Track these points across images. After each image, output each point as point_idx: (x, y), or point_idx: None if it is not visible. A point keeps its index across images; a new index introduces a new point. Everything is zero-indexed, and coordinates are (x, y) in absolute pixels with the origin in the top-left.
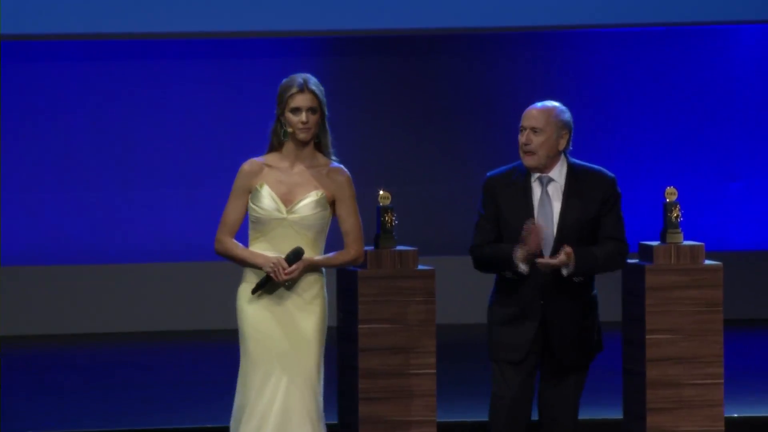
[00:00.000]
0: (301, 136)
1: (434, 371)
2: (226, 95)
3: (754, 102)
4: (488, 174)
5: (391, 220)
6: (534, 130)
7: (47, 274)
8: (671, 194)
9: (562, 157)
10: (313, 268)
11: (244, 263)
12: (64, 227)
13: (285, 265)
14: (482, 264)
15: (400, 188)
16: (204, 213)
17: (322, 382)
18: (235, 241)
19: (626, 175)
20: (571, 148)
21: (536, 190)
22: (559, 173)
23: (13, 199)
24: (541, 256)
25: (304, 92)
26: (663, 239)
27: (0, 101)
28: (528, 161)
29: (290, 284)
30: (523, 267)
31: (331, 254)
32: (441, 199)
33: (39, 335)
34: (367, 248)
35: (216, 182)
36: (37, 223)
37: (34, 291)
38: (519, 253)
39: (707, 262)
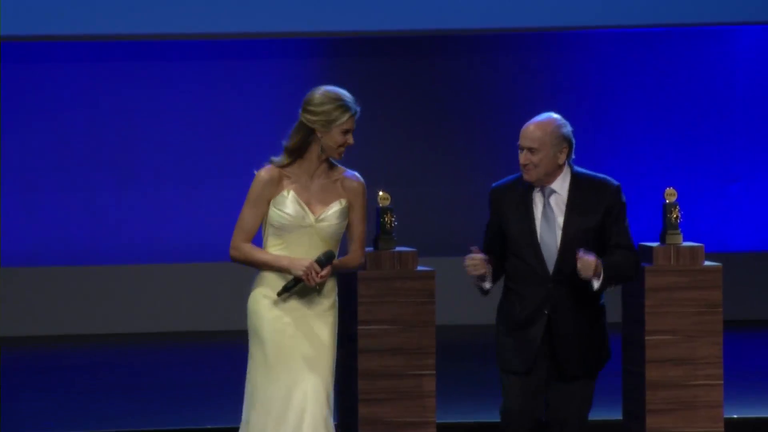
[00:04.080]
0: (340, 156)
1: (434, 372)
2: (225, 96)
3: (754, 103)
4: (493, 185)
5: (391, 221)
6: (531, 150)
7: (46, 275)
8: (671, 195)
9: (566, 168)
10: (334, 271)
11: (266, 267)
12: (63, 228)
13: (318, 268)
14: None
15: (399, 189)
16: (203, 214)
17: (333, 387)
18: (253, 245)
19: (626, 176)
20: (573, 157)
21: (538, 202)
22: (561, 185)
23: (12, 199)
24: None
25: (355, 115)
26: (662, 240)
27: (0, 102)
28: (527, 177)
29: (318, 288)
30: (483, 285)
31: (344, 258)
32: (441, 201)
33: (38, 336)
34: (367, 249)
35: (216, 183)
36: (37, 224)
37: (34, 292)
38: (470, 270)
39: (707, 263)
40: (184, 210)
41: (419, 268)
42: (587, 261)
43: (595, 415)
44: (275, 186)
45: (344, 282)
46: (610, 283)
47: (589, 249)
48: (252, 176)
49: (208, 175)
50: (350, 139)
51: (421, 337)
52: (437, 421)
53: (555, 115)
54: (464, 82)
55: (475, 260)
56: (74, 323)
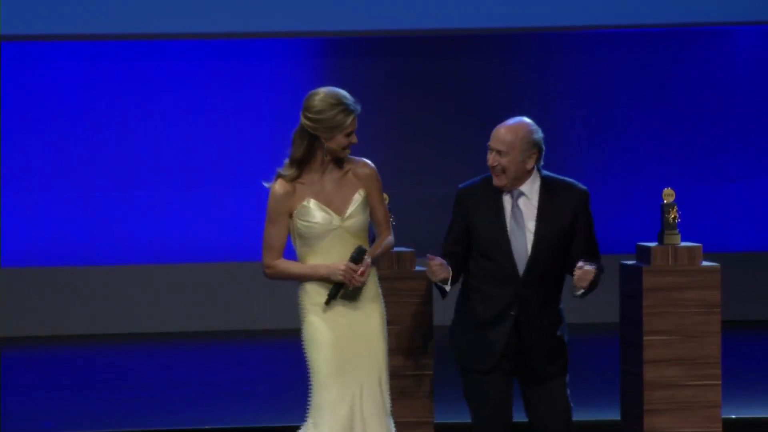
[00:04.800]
0: (346, 156)
1: (431, 372)
2: (225, 96)
3: (752, 103)
4: (460, 186)
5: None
6: (500, 152)
7: (46, 275)
8: (669, 195)
9: (534, 172)
10: (374, 261)
11: (305, 279)
12: (63, 228)
13: (355, 267)
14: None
15: (398, 189)
16: (203, 214)
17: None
18: (287, 260)
19: (624, 177)
20: (542, 164)
21: (507, 204)
22: (530, 188)
23: (12, 200)
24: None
25: (357, 115)
26: (661, 240)
27: (0, 102)
28: (495, 181)
29: (362, 285)
30: (443, 287)
31: (376, 244)
32: (439, 201)
33: (38, 336)
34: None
35: (215, 183)
36: (37, 225)
37: (34, 292)
38: (431, 272)
39: (705, 263)
40: (184, 210)
41: (417, 268)
42: (588, 271)
43: (594, 416)
44: (292, 198)
45: None
46: (589, 292)
47: (558, 252)
48: (259, 184)
49: (208, 175)
50: (354, 139)
51: (419, 338)
52: (435, 421)
53: (527, 120)
54: (464, 83)
55: (438, 264)
56: (74, 323)
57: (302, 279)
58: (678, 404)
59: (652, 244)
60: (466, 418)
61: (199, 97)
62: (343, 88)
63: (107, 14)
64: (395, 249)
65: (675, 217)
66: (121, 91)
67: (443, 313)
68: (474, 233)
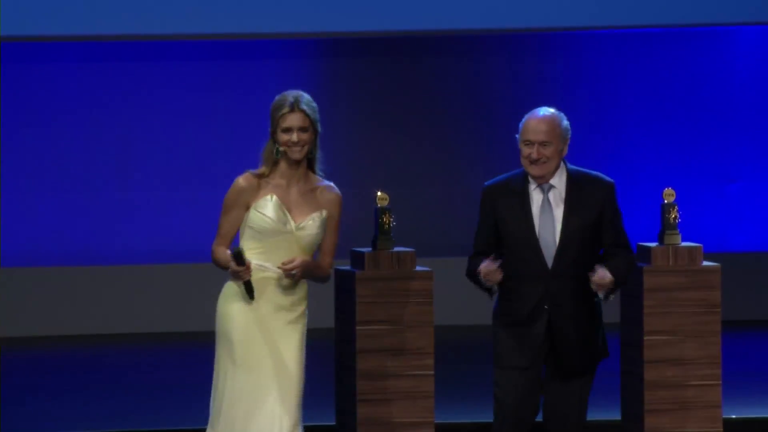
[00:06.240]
0: (294, 156)
1: (432, 372)
2: (225, 97)
3: (752, 104)
4: (486, 183)
5: (389, 221)
6: (543, 143)
7: (46, 276)
8: (669, 195)
9: (561, 164)
10: (308, 270)
11: (222, 266)
12: (63, 228)
13: (234, 266)
14: (467, 276)
15: (397, 189)
16: (202, 214)
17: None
18: (222, 248)
19: (624, 177)
20: (566, 152)
21: (536, 198)
22: (559, 180)
23: (12, 200)
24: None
25: (294, 111)
26: (661, 241)
27: (0, 102)
28: (537, 171)
29: (288, 286)
30: (492, 286)
31: (316, 263)
32: (439, 201)
33: (38, 336)
34: (365, 250)
35: (215, 184)
36: (36, 225)
37: (33, 292)
38: (488, 279)
39: (705, 263)
40: (184, 210)
41: (417, 268)
42: (604, 280)
43: (594, 416)
44: (254, 191)
45: (343, 282)
46: (614, 292)
47: (586, 244)
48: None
49: (208, 175)
50: (293, 137)
51: (420, 338)
52: (436, 422)
53: (554, 109)
54: (463, 83)
55: (494, 270)
56: (74, 323)
57: (221, 266)
58: (678, 404)
59: (653, 244)
60: (466, 418)
61: (199, 97)
62: (341, 90)
63: (107, 14)
64: (395, 249)
65: (675, 217)
66: (121, 91)
67: (444, 313)
68: (502, 230)
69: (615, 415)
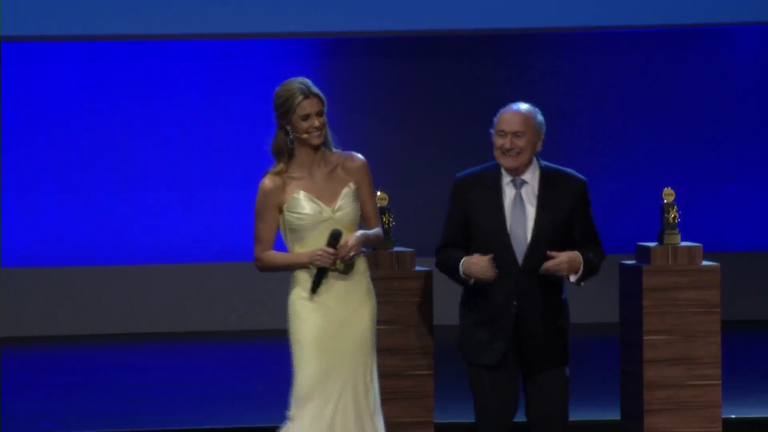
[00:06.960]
0: (316, 141)
1: (432, 372)
2: (225, 97)
3: (752, 103)
4: (458, 175)
5: (389, 221)
6: (516, 134)
7: (46, 275)
8: (669, 195)
9: (534, 161)
10: (365, 242)
11: (290, 267)
12: (62, 229)
13: (331, 251)
14: (439, 267)
15: (397, 189)
16: (203, 214)
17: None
18: (275, 251)
19: (624, 176)
20: (540, 149)
21: (508, 193)
22: (532, 176)
23: (11, 200)
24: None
25: (309, 97)
26: (660, 240)
27: (0, 102)
28: (510, 163)
29: (347, 268)
30: (471, 281)
31: (369, 231)
32: (438, 201)
33: (38, 336)
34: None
35: (215, 183)
36: (36, 225)
37: (33, 292)
38: (478, 275)
39: (705, 263)
40: (184, 210)
41: (417, 268)
42: (562, 259)
43: (593, 416)
44: (282, 191)
45: None
46: (585, 278)
47: (557, 241)
48: (254, 184)
49: (208, 175)
50: (315, 122)
51: (419, 337)
52: (435, 421)
53: (528, 104)
54: (463, 83)
55: (487, 264)
56: (74, 323)
57: (288, 268)
58: (678, 404)
59: (652, 244)
60: (466, 418)
61: (199, 97)
62: (341, 90)
63: (107, 14)
64: (395, 249)
65: (675, 216)
66: (121, 91)
67: (443, 313)
68: (473, 223)
69: (614, 415)
